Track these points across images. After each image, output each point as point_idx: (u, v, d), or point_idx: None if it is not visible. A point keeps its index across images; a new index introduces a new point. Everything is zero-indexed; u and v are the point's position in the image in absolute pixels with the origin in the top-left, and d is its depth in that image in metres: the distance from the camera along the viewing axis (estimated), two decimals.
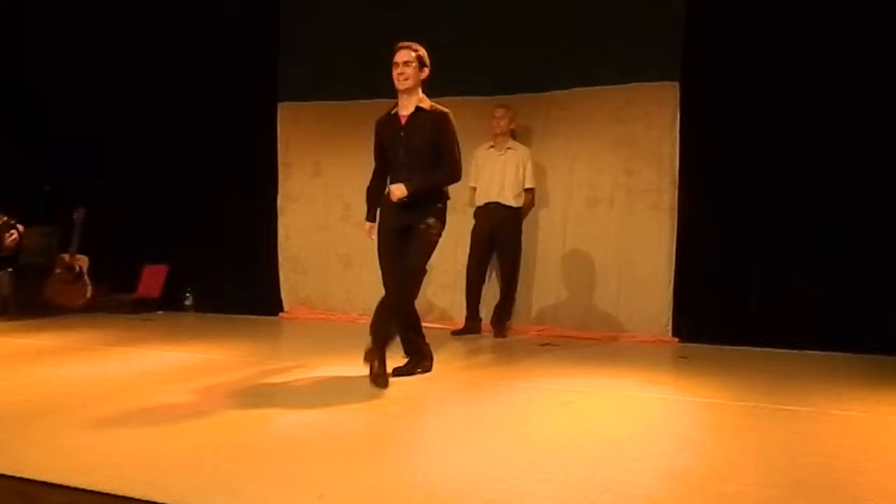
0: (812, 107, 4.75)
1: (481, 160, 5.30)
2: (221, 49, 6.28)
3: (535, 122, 5.53)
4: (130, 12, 6.59)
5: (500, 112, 5.22)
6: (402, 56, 3.60)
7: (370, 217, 3.84)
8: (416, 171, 3.60)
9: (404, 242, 3.62)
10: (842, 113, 4.69)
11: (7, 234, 5.71)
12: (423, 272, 3.73)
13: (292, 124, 6.29)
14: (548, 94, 5.47)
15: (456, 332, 5.25)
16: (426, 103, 3.67)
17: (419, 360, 3.83)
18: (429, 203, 3.63)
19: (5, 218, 5.71)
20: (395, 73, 3.60)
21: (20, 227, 5.80)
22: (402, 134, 3.64)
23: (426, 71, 3.66)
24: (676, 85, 5.07)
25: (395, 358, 3.73)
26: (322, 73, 5.97)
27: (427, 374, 3.83)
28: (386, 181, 3.76)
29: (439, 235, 3.66)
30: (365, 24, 5.88)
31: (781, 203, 4.86)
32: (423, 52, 3.64)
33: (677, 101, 5.08)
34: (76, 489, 2.07)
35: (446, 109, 3.67)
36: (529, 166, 5.26)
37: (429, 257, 3.65)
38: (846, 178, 4.69)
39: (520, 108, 5.40)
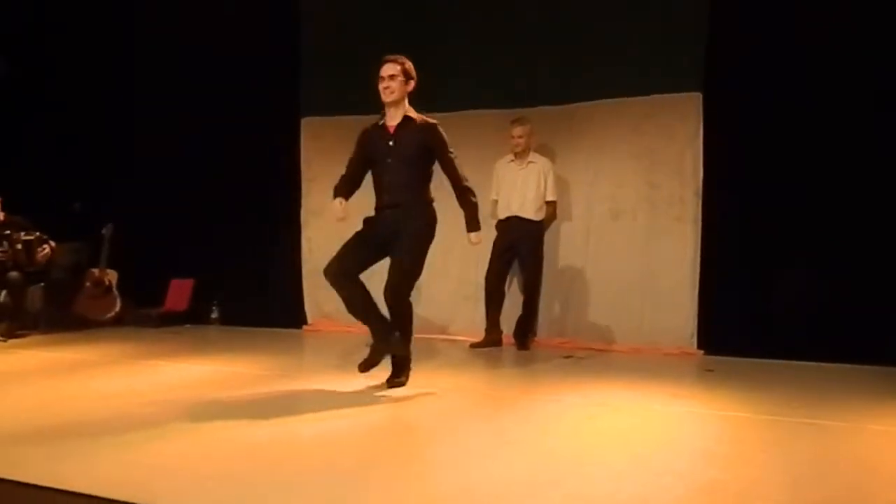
0: (838, 115, 4.70)
1: (502, 173, 5.31)
2: (245, 65, 6.39)
3: (557, 135, 5.53)
4: (154, 30, 6.73)
5: (517, 130, 5.19)
6: (387, 70, 3.66)
7: (340, 193, 3.76)
8: (400, 180, 3.66)
9: (390, 244, 3.63)
10: (869, 120, 4.63)
11: (39, 250, 5.83)
12: (418, 276, 3.72)
13: (315, 139, 6.37)
14: (568, 106, 5.47)
15: (475, 345, 5.24)
16: (413, 114, 3.73)
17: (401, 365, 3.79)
18: (416, 207, 3.67)
19: (38, 234, 5.85)
20: (380, 86, 3.67)
21: (52, 243, 5.93)
22: (390, 144, 3.69)
23: (412, 83, 3.72)
24: (699, 96, 5.06)
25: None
26: (344, 88, 6.00)
27: (450, 388, 3.84)
28: (352, 189, 3.80)
29: (432, 236, 3.70)
30: (386, 39, 5.93)
31: (809, 213, 4.80)
32: (408, 65, 3.70)
33: (700, 111, 5.06)
34: (112, 500, 2.11)
35: (434, 121, 3.74)
36: (551, 178, 5.25)
37: (423, 262, 3.68)
38: (877, 187, 4.63)
39: (540, 122, 5.41)
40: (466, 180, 3.75)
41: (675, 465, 2.51)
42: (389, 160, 3.69)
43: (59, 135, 6.77)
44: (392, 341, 3.66)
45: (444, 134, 3.71)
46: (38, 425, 2.99)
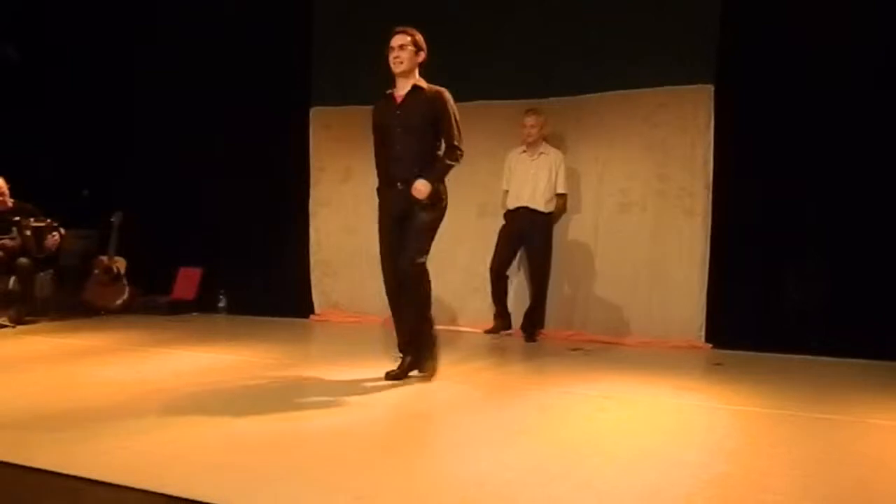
0: (851, 108, 4.65)
1: (514, 164, 5.29)
2: (255, 54, 6.38)
3: (566, 126, 5.50)
4: (165, 18, 6.73)
5: (530, 120, 5.18)
6: (397, 40, 3.66)
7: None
8: (410, 150, 3.62)
9: (403, 229, 3.64)
10: (882, 114, 4.59)
11: (49, 236, 5.85)
12: (428, 250, 3.68)
13: (324, 129, 6.36)
14: (579, 97, 5.44)
15: (488, 331, 5.28)
16: (423, 84, 3.71)
17: (414, 362, 3.74)
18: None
19: (48, 221, 5.87)
20: (390, 56, 3.66)
21: (61, 230, 5.95)
22: (397, 112, 3.68)
23: (422, 55, 3.71)
24: (711, 88, 5.01)
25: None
26: (354, 78, 6.00)
27: (459, 379, 3.83)
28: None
29: (440, 218, 3.68)
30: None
31: (819, 207, 4.77)
32: (418, 36, 3.70)
33: (712, 103, 5.02)
34: (120, 486, 2.12)
35: (442, 88, 3.70)
36: (562, 171, 5.23)
37: (430, 242, 3.67)
38: (888, 182, 4.59)
39: (550, 113, 5.38)
40: (460, 143, 3.64)
41: (683, 458, 2.51)
42: (397, 129, 3.67)
43: (68, 122, 6.78)
44: (426, 362, 3.76)
45: (450, 101, 3.67)
46: (47, 411, 3.00)
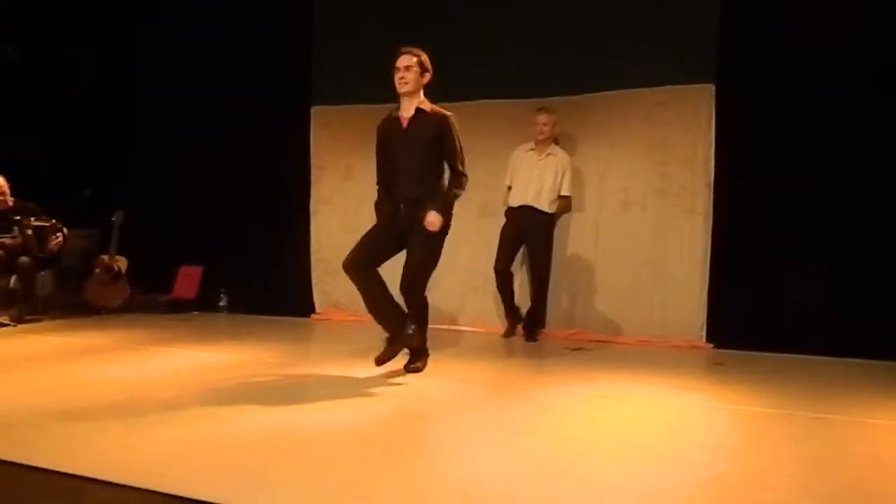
0: (853, 108, 4.66)
1: (519, 161, 5.26)
2: (256, 53, 6.38)
3: (567, 125, 5.48)
4: (165, 18, 6.73)
5: (542, 118, 5.14)
6: (403, 61, 3.70)
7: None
8: (414, 169, 3.68)
9: (406, 237, 3.70)
10: (882, 114, 4.59)
11: (52, 237, 5.85)
12: (432, 269, 3.77)
13: (325, 128, 6.36)
14: (580, 97, 5.44)
15: (505, 335, 5.30)
16: (427, 105, 3.75)
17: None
18: (430, 201, 3.67)
19: (52, 221, 5.87)
20: (396, 77, 3.71)
21: (65, 231, 5.95)
22: (403, 134, 3.73)
23: (427, 76, 3.75)
24: (712, 87, 5.01)
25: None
26: (354, 77, 6.01)
27: (459, 378, 3.84)
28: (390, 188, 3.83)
29: (446, 232, 3.73)
30: (397, 28, 5.92)
31: (820, 207, 4.77)
32: (424, 57, 3.74)
33: (713, 103, 5.02)
34: (120, 485, 2.12)
35: (448, 112, 3.75)
36: (568, 173, 5.20)
37: (438, 256, 3.73)
38: (889, 181, 4.59)
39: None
40: (464, 168, 3.73)
41: (684, 457, 2.51)
42: (402, 151, 3.72)
43: (68, 122, 6.79)
44: (406, 336, 3.73)
45: (455, 126, 3.74)
46: (47, 410, 3.00)
